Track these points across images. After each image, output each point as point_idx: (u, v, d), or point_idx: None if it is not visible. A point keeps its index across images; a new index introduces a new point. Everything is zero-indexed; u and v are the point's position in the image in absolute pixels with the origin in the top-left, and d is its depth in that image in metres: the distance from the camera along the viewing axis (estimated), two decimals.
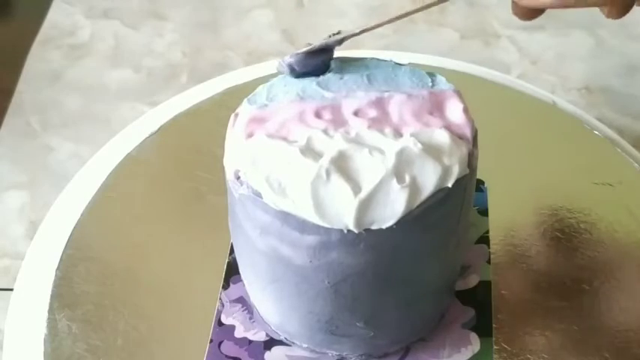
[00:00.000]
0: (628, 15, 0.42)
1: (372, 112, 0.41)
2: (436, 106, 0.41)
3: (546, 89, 0.70)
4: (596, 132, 0.59)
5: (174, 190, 0.56)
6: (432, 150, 0.39)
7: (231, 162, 0.40)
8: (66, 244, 0.51)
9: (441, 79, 0.43)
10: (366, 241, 0.38)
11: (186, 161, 0.57)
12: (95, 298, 0.48)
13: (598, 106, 0.78)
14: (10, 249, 0.64)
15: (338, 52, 0.44)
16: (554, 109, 0.62)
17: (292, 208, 0.38)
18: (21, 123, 0.75)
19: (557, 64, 0.83)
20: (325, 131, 0.40)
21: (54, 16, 0.88)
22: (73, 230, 0.52)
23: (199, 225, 0.53)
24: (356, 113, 0.41)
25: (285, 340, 0.46)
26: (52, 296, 0.48)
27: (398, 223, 0.37)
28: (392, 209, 0.37)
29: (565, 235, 0.52)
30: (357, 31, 0.42)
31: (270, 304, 0.44)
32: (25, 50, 0.83)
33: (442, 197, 0.38)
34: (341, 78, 0.42)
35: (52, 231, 0.52)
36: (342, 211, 0.37)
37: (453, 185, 0.38)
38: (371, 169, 0.38)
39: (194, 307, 0.48)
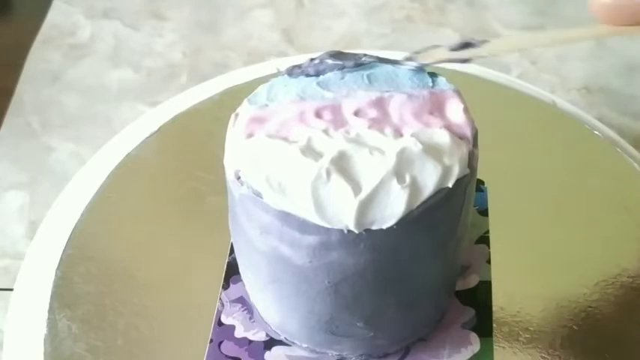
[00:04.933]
0: None
1: (373, 112, 0.41)
2: (436, 106, 0.41)
3: (546, 89, 0.70)
4: (596, 132, 0.59)
5: (174, 190, 0.56)
6: (432, 150, 0.39)
7: (231, 162, 0.40)
8: (66, 244, 0.51)
9: (441, 79, 0.43)
10: (366, 241, 0.38)
11: (186, 161, 0.57)
12: (95, 298, 0.48)
13: (598, 106, 0.78)
14: (10, 249, 0.64)
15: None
16: (554, 109, 0.62)
17: (292, 208, 0.38)
18: (21, 123, 0.75)
19: (557, 64, 0.83)
20: (325, 131, 0.40)
21: (54, 16, 0.88)
22: (73, 230, 0.52)
23: (199, 225, 0.53)
24: (356, 113, 0.41)
25: (285, 340, 0.46)
26: (52, 296, 0.48)
27: (398, 223, 0.37)
28: (392, 209, 0.37)
29: (565, 235, 0.52)
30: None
31: (270, 304, 0.44)
32: (25, 50, 0.83)
33: (442, 197, 0.38)
34: (341, 78, 0.42)
35: (52, 231, 0.52)
36: (342, 211, 0.37)
37: (454, 185, 0.38)
38: (371, 169, 0.38)
39: (194, 307, 0.48)
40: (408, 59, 0.43)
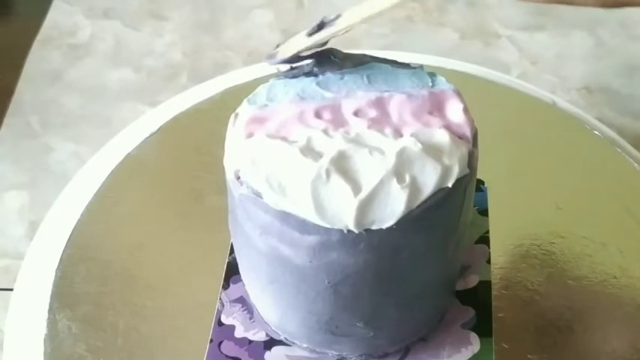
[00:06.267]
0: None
1: (372, 112, 0.41)
2: (436, 106, 0.41)
3: (546, 89, 0.70)
4: (596, 132, 0.59)
5: (174, 190, 0.56)
6: (432, 150, 0.39)
7: (231, 162, 0.40)
8: (66, 244, 0.51)
9: (441, 79, 0.43)
10: (366, 241, 0.38)
11: (186, 161, 0.57)
12: (95, 298, 0.48)
13: (598, 106, 0.78)
14: (10, 249, 0.64)
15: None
16: (554, 109, 0.62)
17: (292, 208, 0.38)
18: (21, 123, 0.75)
19: (557, 64, 0.83)
20: (325, 131, 0.40)
21: (54, 16, 0.88)
22: (73, 230, 0.52)
23: (199, 225, 0.53)
24: (356, 113, 0.40)
25: (285, 340, 0.46)
26: (52, 296, 0.48)
27: (398, 223, 0.37)
28: (392, 209, 0.37)
29: (565, 235, 0.52)
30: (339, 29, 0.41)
31: (270, 304, 0.44)
32: (25, 50, 0.83)
33: (442, 197, 0.38)
34: (341, 78, 0.42)
35: (52, 231, 0.52)
36: (342, 211, 0.37)
37: (453, 185, 0.38)
38: (371, 169, 0.38)
39: (194, 307, 0.48)
40: (270, 56, 0.43)
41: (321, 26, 0.42)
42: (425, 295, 0.43)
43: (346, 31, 0.41)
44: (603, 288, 0.49)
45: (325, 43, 0.42)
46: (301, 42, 0.42)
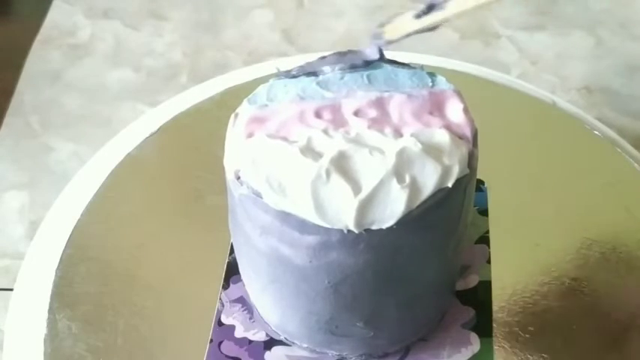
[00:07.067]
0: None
1: (372, 112, 0.41)
2: (436, 106, 0.41)
3: (546, 89, 0.70)
4: (596, 132, 0.59)
5: (174, 190, 0.56)
6: (432, 150, 0.39)
7: (231, 162, 0.40)
8: (66, 244, 0.51)
9: (441, 79, 0.43)
10: (366, 241, 0.38)
11: (186, 161, 0.57)
12: (95, 298, 0.48)
13: (598, 106, 0.78)
14: (10, 249, 0.64)
15: None
16: (554, 109, 0.62)
17: (292, 208, 0.38)
18: (21, 123, 0.75)
19: (557, 64, 0.83)
20: (325, 131, 0.40)
21: (54, 16, 0.88)
22: (73, 230, 0.52)
23: (199, 225, 0.53)
24: (356, 113, 0.40)
25: (285, 340, 0.46)
26: (52, 296, 0.48)
27: (398, 223, 0.37)
28: (392, 209, 0.37)
29: (565, 235, 0.52)
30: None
31: (270, 304, 0.44)
32: (25, 50, 0.83)
33: (442, 197, 0.38)
34: (341, 78, 0.42)
35: (52, 231, 0.52)
36: (342, 211, 0.37)
37: (453, 185, 0.38)
38: (371, 169, 0.38)
39: (194, 307, 0.48)
40: (376, 36, 0.41)
41: (430, 8, 0.40)
42: (425, 295, 0.43)
43: (458, 17, 0.40)
44: (603, 288, 0.49)
45: (435, 28, 0.40)
46: (409, 24, 0.40)
